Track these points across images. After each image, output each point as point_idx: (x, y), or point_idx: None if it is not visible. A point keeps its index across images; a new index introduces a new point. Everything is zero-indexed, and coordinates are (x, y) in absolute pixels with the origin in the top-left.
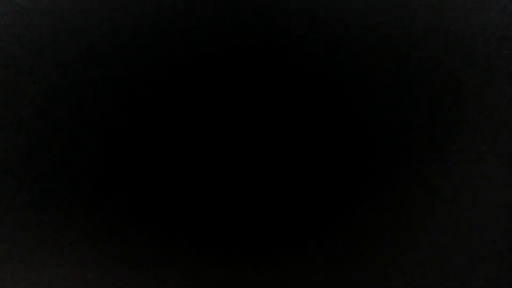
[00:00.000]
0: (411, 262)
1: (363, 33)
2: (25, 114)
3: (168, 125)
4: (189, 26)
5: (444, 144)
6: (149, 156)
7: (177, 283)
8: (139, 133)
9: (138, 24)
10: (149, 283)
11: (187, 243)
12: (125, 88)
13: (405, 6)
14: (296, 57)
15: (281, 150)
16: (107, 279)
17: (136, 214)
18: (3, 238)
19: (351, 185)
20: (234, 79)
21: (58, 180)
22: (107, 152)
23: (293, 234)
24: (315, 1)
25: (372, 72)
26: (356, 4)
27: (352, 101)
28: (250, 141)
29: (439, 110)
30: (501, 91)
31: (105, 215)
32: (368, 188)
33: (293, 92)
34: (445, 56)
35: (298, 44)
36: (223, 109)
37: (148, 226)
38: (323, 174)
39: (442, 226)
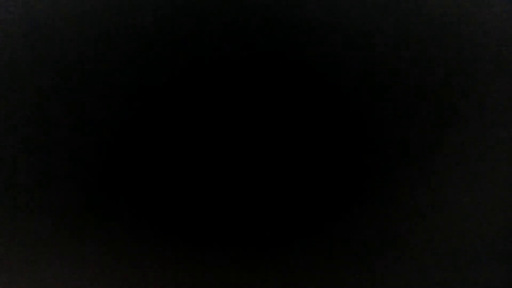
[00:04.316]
0: (410, 262)
1: (362, 33)
2: (25, 114)
3: (169, 125)
4: (189, 28)
5: (443, 144)
6: (150, 156)
7: (177, 283)
8: (139, 133)
9: (139, 24)
10: (149, 283)
11: (187, 243)
12: (125, 88)
13: (405, 6)
14: (295, 58)
15: (282, 150)
16: (107, 279)
17: (137, 214)
18: (3, 238)
19: (352, 185)
20: (233, 80)
21: (58, 180)
22: (107, 152)
23: (293, 234)
24: (315, 2)
25: (372, 72)
26: (356, 5)
27: (352, 101)
28: (250, 141)
29: (439, 110)
30: (501, 91)
31: (105, 215)
32: (368, 188)
33: (293, 93)
34: (445, 56)
35: (298, 45)
36: (223, 110)
37: (149, 226)
38: (323, 174)
39: (442, 226)
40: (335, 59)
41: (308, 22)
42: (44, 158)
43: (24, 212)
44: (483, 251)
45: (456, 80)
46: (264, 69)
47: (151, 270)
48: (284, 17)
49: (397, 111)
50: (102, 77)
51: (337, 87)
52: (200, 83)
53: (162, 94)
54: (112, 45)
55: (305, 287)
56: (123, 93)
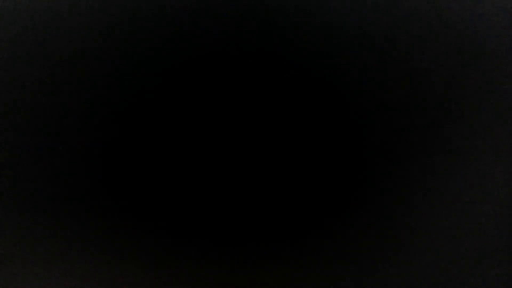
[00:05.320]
0: (410, 262)
1: (362, 34)
2: (25, 114)
3: (168, 125)
4: (189, 27)
5: (443, 144)
6: (150, 156)
7: (177, 283)
8: (140, 133)
9: (139, 25)
10: (149, 283)
11: (188, 243)
12: (125, 88)
13: (405, 6)
14: (295, 58)
15: (282, 150)
16: (107, 279)
17: (137, 214)
18: (3, 238)
19: (352, 185)
20: (232, 80)
21: (58, 180)
22: (107, 152)
23: (293, 234)
24: (315, 2)
25: (372, 72)
26: (356, 5)
27: (352, 101)
28: (250, 141)
29: (438, 110)
30: (501, 91)
31: (105, 215)
32: (367, 188)
33: (293, 93)
34: (444, 56)
35: (297, 45)
36: (223, 110)
37: (149, 225)
38: (324, 174)
39: (441, 227)
40: (335, 59)
41: (308, 21)
42: (43, 158)
43: (23, 211)
44: (483, 251)
45: (456, 80)
46: (264, 69)
47: (150, 270)
48: (284, 17)
49: (397, 111)
50: (101, 77)
51: (337, 87)
52: (200, 83)
53: (162, 94)
54: (111, 45)
55: (305, 287)
56: (122, 93)
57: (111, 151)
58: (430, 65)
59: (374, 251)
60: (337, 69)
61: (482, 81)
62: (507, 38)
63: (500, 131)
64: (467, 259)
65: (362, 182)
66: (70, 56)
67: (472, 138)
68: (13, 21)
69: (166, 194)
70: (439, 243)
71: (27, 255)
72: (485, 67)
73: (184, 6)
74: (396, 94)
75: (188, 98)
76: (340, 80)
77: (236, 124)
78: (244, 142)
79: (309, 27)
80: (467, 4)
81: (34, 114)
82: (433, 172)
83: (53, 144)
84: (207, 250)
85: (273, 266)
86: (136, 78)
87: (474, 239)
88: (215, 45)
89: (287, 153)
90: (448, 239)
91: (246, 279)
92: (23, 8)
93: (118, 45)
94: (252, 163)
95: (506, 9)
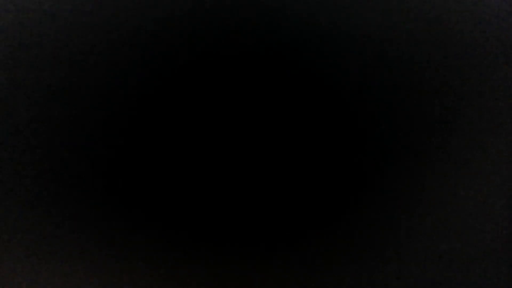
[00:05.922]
0: (410, 262)
1: (362, 34)
2: (25, 114)
3: (170, 125)
4: (189, 28)
5: (443, 145)
6: (150, 156)
7: (177, 283)
8: (140, 133)
9: (139, 25)
10: (150, 283)
11: (188, 243)
12: (125, 88)
13: (404, 6)
14: (295, 58)
15: (282, 150)
16: (108, 278)
17: (137, 214)
18: (3, 238)
19: (352, 186)
20: (233, 81)
21: (58, 180)
22: (108, 152)
23: (293, 234)
24: (315, 3)
25: (372, 72)
26: (356, 5)
27: (351, 103)
28: (249, 141)
29: (438, 111)
30: (501, 91)
31: (105, 215)
32: (367, 188)
33: (293, 94)
34: (444, 56)
35: (296, 45)
36: (223, 110)
37: (149, 225)
38: (324, 174)
39: (442, 226)
40: (335, 60)
41: (307, 22)
42: (43, 158)
43: (25, 211)
44: (483, 251)
45: (456, 80)
46: (263, 69)
47: (150, 271)
48: (283, 17)
49: (397, 113)
50: (102, 77)
51: (337, 88)
52: (201, 83)
53: (163, 94)
54: (112, 45)
55: (304, 287)
56: (122, 93)
57: (111, 151)
58: (430, 65)
59: (374, 251)
60: (337, 69)
61: (482, 81)
62: (507, 38)
63: (500, 131)
64: (467, 259)
65: (362, 182)
66: (70, 56)
67: (472, 138)
68: (14, 21)
69: (167, 193)
70: (439, 243)
71: (27, 254)
72: (485, 67)
73: (184, 6)
74: (396, 94)
75: (188, 100)
76: (339, 80)
77: (236, 125)
78: (243, 142)
79: (309, 27)
80: (467, 4)
81: (34, 114)
82: (433, 172)
83: (53, 144)
84: (207, 250)
85: (272, 266)
86: (136, 79)
87: (474, 239)
88: (215, 46)
89: (287, 153)
90: (448, 239)
91: (247, 279)
92: (23, 8)
93: (117, 45)
94: (252, 163)
95: (506, 9)
